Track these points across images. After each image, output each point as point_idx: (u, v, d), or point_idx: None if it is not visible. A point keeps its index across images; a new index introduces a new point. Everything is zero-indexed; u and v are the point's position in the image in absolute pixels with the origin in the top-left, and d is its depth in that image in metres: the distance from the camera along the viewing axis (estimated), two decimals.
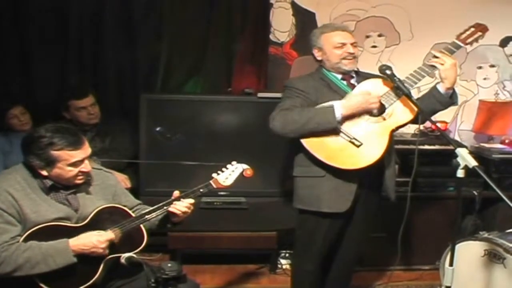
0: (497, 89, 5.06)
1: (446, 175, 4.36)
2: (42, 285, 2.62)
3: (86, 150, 2.78)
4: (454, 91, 3.26)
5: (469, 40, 3.33)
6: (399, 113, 3.22)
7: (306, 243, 3.47)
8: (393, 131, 3.24)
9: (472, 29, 3.35)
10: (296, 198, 3.43)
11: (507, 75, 5.06)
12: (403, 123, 3.26)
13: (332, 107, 3.14)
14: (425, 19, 4.83)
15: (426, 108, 3.24)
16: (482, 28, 3.36)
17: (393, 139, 3.38)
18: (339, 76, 3.36)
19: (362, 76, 3.40)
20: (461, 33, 3.34)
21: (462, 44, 3.30)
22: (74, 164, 2.71)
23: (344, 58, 3.29)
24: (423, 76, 3.24)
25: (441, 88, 3.23)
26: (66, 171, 2.71)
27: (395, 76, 3.19)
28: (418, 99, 3.33)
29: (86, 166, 2.77)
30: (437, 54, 3.22)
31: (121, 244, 2.74)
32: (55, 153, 2.67)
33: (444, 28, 4.79)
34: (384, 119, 3.21)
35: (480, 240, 3.54)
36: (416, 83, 3.23)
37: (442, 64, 3.17)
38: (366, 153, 3.17)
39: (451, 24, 4.75)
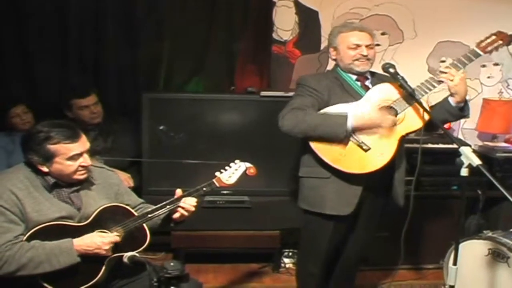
0: (501, 88, 5.05)
1: (449, 174, 4.34)
2: (45, 284, 2.61)
3: (84, 143, 2.77)
4: (466, 104, 3.23)
5: (489, 48, 3.24)
6: (410, 120, 3.19)
7: (311, 244, 3.46)
8: (402, 137, 3.20)
9: (493, 37, 3.25)
10: (300, 198, 3.43)
11: (511, 73, 5.04)
12: (414, 129, 3.22)
13: (345, 118, 3.10)
14: (428, 17, 4.82)
15: (437, 118, 3.22)
16: (503, 37, 3.26)
17: (404, 144, 3.36)
18: (354, 77, 3.33)
19: (378, 78, 3.37)
20: (482, 41, 3.25)
21: (481, 53, 3.21)
22: (73, 158, 2.70)
23: (356, 60, 3.26)
24: (430, 90, 3.20)
25: (452, 101, 3.21)
26: (65, 165, 2.70)
27: (398, 74, 3.17)
28: (430, 108, 3.30)
29: (86, 160, 2.76)
30: (445, 70, 3.16)
31: (124, 244, 2.73)
32: (52, 147, 2.66)
33: (448, 27, 4.81)
34: (395, 124, 3.19)
35: (484, 239, 3.54)
36: (422, 95, 3.18)
37: (451, 80, 3.13)
38: (373, 158, 3.16)
39: (455, 23, 4.80)
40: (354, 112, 3.13)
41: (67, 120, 3.90)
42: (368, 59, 3.27)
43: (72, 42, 4.48)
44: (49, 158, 2.68)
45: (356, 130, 3.14)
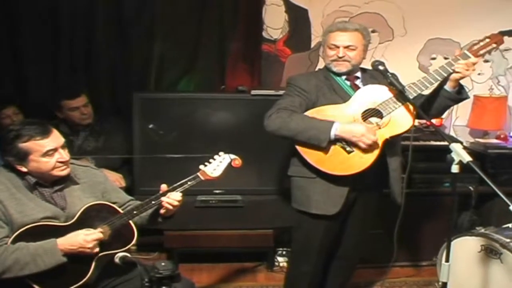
0: (492, 84, 5.04)
1: (441, 171, 4.31)
2: (34, 285, 2.60)
3: (57, 138, 2.74)
4: (461, 86, 3.23)
5: (481, 52, 3.17)
6: (395, 123, 3.18)
7: (304, 244, 3.45)
8: (386, 140, 3.17)
9: (487, 40, 3.18)
10: (292, 198, 3.43)
11: (501, 70, 5.05)
12: (398, 133, 3.20)
13: (329, 128, 3.11)
14: (418, 15, 4.81)
15: (438, 107, 3.25)
16: (497, 40, 3.18)
17: (400, 142, 3.38)
18: (343, 76, 3.32)
19: (371, 76, 3.36)
20: (474, 44, 3.19)
21: (472, 56, 3.14)
22: (48, 154, 2.68)
23: (334, 60, 3.26)
24: (437, 80, 3.17)
25: (449, 87, 3.19)
26: (42, 163, 2.68)
27: (388, 71, 3.17)
28: (426, 98, 3.30)
29: (62, 156, 2.73)
30: (462, 61, 3.11)
31: (112, 241, 2.73)
32: (24, 145, 2.65)
33: (438, 24, 4.81)
34: (380, 127, 3.18)
35: (476, 236, 3.54)
36: (427, 87, 3.18)
37: (467, 70, 3.11)
38: (356, 161, 3.15)
39: (444, 19, 4.80)
40: (339, 122, 3.13)
41: (59, 123, 3.91)
42: (346, 61, 3.25)
43: (63, 42, 4.47)
44: (23, 157, 2.66)
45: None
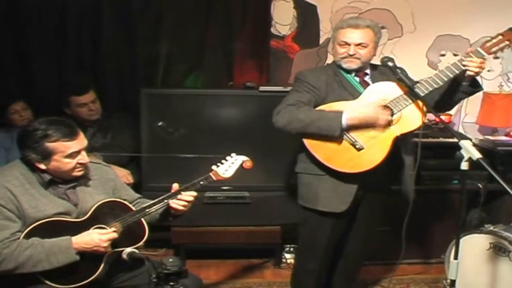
0: (501, 81, 5.02)
1: (450, 168, 4.32)
2: (44, 280, 2.61)
3: (82, 141, 2.76)
4: (475, 79, 3.19)
5: (494, 49, 3.14)
6: (406, 121, 3.16)
7: (310, 241, 3.45)
8: (397, 137, 3.16)
9: (500, 37, 3.14)
10: (298, 194, 3.42)
11: (511, 66, 5.02)
12: (409, 130, 3.18)
13: (339, 114, 3.09)
14: (427, 11, 4.79)
15: (450, 100, 3.24)
16: (510, 37, 3.14)
17: (412, 140, 3.36)
18: (353, 73, 3.30)
19: (381, 72, 3.34)
20: (487, 41, 3.15)
21: (485, 54, 3.12)
22: (71, 156, 2.70)
23: (344, 57, 3.24)
24: (448, 77, 3.13)
25: (463, 81, 3.17)
26: (63, 163, 2.69)
27: (397, 67, 3.16)
28: (437, 94, 3.27)
29: (84, 158, 2.76)
30: (474, 59, 3.08)
31: (123, 239, 2.73)
32: (50, 145, 2.65)
33: (447, 20, 4.79)
34: (390, 124, 3.16)
35: (485, 233, 3.54)
36: (438, 84, 3.13)
37: (482, 68, 3.10)
38: (365, 158, 3.14)
39: (454, 16, 4.78)
40: (348, 109, 3.11)
41: (65, 117, 3.90)
42: (356, 58, 3.23)
43: (71, 39, 4.47)
44: (47, 156, 2.67)
45: (351, 127, 3.13)
